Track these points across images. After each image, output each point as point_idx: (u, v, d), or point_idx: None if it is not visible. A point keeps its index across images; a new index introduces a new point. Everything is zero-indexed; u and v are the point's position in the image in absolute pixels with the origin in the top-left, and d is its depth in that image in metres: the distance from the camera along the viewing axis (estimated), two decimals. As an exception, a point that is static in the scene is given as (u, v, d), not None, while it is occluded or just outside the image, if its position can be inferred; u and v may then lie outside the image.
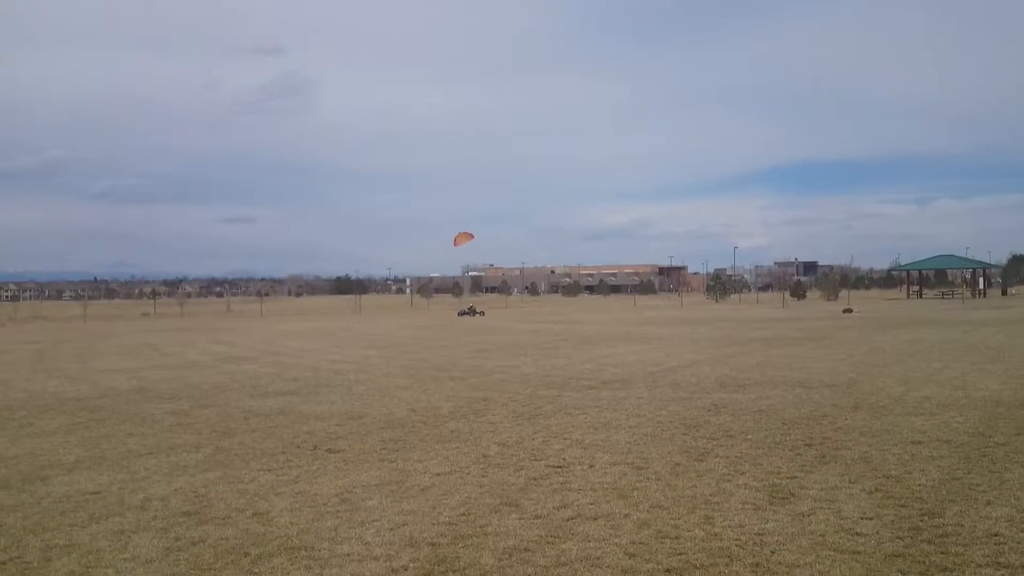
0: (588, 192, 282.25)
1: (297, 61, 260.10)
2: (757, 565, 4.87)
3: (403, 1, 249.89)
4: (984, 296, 65.66)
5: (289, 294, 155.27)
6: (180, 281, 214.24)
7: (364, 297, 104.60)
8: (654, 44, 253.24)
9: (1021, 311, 38.08)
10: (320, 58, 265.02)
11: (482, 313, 53.58)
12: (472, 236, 53.69)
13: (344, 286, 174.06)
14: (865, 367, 15.46)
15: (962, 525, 5.50)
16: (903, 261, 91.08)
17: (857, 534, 5.38)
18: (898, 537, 5.29)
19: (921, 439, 8.40)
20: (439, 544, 5.42)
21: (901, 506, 5.97)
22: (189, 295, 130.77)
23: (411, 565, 5.04)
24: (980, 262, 79.26)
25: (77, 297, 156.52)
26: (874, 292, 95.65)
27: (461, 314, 52.68)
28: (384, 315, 60.38)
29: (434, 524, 5.87)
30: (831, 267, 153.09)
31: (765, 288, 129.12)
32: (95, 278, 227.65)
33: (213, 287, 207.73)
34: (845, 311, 42.59)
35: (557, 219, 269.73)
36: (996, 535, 5.28)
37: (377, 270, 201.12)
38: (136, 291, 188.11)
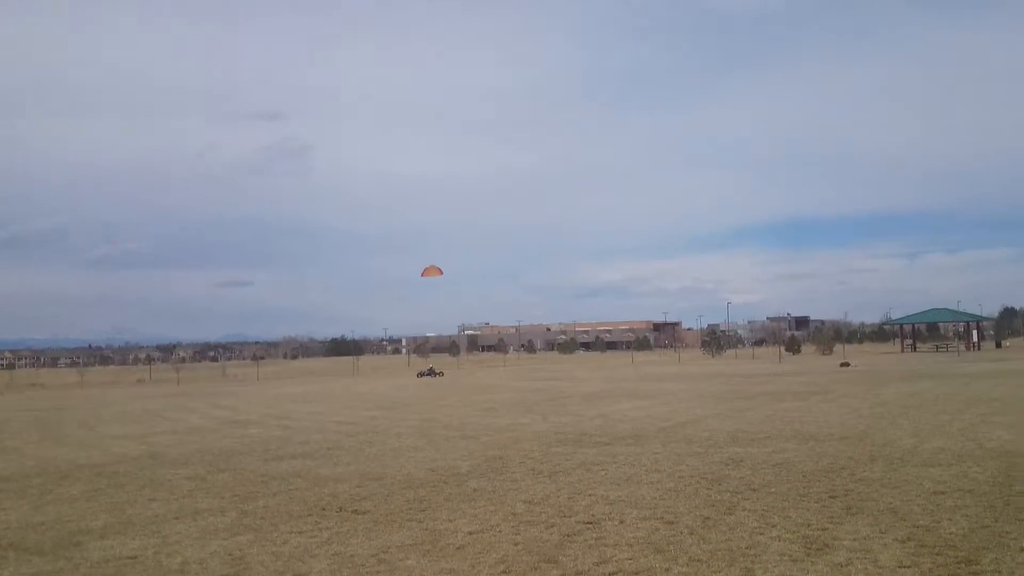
0: (582, 250, 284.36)
1: (295, 126, 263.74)
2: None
3: (398, 66, 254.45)
4: (978, 349, 65.95)
5: (285, 357, 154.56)
6: (174, 346, 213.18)
7: (361, 358, 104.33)
8: (647, 103, 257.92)
9: (1017, 363, 38.29)
10: (317, 122, 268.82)
11: (441, 374, 53.63)
12: (441, 272, 53.14)
13: (339, 348, 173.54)
14: (873, 420, 15.55)
15: (999, 572, 5.59)
16: (894, 315, 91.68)
17: (897, 583, 5.46)
18: (938, 585, 5.37)
19: (943, 489, 8.49)
20: (486, 601, 5.48)
21: (936, 554, 6.06)
22: (184, 360, 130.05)
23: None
24: (973, 315, 79.74)
25: (73, 364, 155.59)
26: (867, 346, 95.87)
27: (420, 375, 52.68)
28: (382, 376, 60.21)
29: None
30: (823, 322, 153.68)
31: (759, 343, 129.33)
32: (90, 345, 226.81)
33: (207, 351, 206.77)
34: (843, 365, 42.73)
35: (552, 277, 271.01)
36: (1035, 580, 5.38)
37: (372, 331, 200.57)
38: (130, 357, 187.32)
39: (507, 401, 25.24)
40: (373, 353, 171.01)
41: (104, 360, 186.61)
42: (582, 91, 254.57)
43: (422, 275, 53.69)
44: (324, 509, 9.00)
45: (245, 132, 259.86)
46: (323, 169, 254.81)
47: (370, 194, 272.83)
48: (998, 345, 71.27)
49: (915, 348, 72.92)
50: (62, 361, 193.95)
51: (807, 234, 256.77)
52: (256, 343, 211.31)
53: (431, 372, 53.95)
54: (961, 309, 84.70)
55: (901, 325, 79.33)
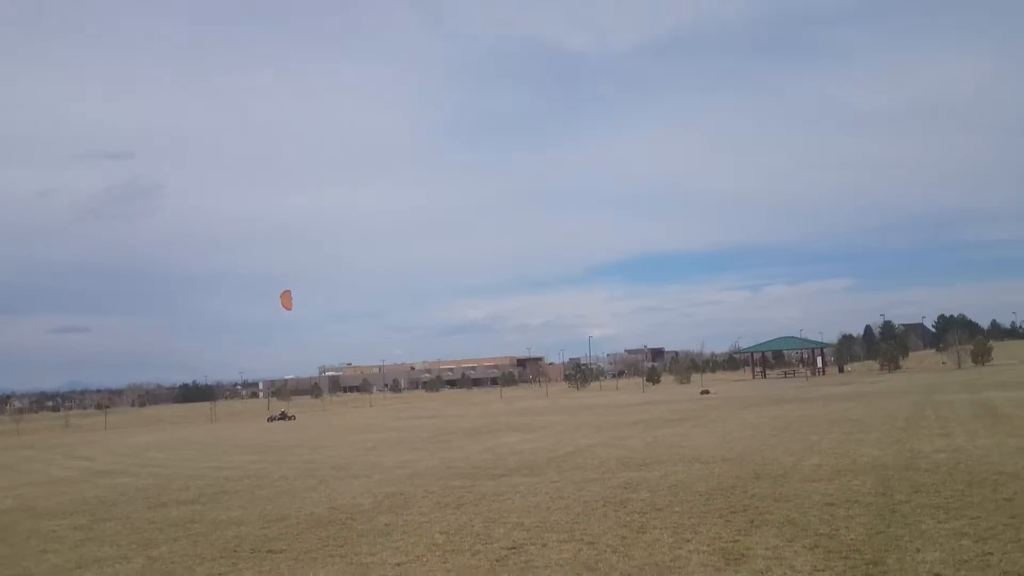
0: (443, 289, 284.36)
1: (142, 165, 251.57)
2: (743, 616, 5.32)
3: (250, 104, 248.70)
4: (823, 374, 70.36)
5: (132, 404, 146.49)
6: (8, 397, 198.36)
7: (216, 404, 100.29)
8: (506, 143, 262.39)
9: (863, 386, 41.16)
10: (169, 161, 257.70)
11: (292, 417, 52.52)
12: (290, 306, 51.41)
13: (190, 394, 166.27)
14: (747, 441, 16.44)
15: (904, 570, 6.17)
16: (742, 344, 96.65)
17: (816, 583, 5.93)
18: (852, 582, 5.88)
19: (832, 501, 9.17)
20: (438, 625, 5.57)
21: (844, 558, 6.60)
22: (21, 411, 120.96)
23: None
24: (817, 342, 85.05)
25: None
26: (720, 374, 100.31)
27: (271, 420, 51.22)
28: (241, 421, 58.20)
29: (422, 608, 6.00)
30: (677, 353, 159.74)
31: (619, 374, 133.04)
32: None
33: (44, 401, 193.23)
34: (703, 393, 44.69)
35: (413, 315, 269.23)
36: (938, 575, 5.97)
37: (226, 375, 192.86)
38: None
39: (387, 440, 25.04)
40: (227, 398, 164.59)
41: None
42: (442, 132, 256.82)
43: (281, 296, 51.75)
44: (235, 551, 8.79)
45: (91, 172, 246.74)
46: (171, 209, 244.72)
47: (224, 235, 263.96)
48: (840, 370, 76.16)
49: (764, 375, 77.01)
50: None
51: (659, 269, 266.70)
52: (98, 391, 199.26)
53: (283, 416, 52.52)
54: (804, 337, 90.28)
55: (752, 353, 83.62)
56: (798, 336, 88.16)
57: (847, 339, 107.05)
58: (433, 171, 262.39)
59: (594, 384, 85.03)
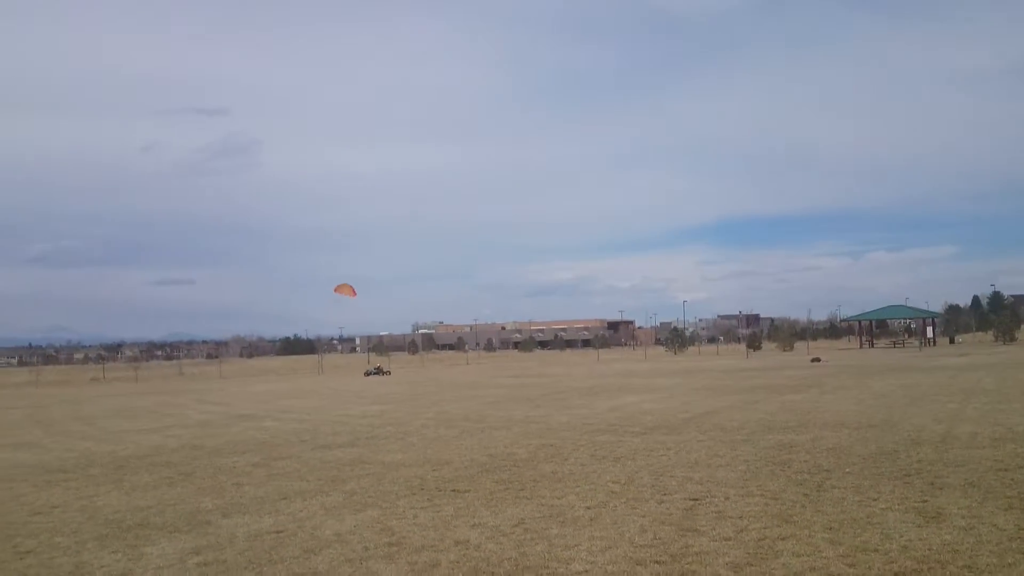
0: (532, 249, 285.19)
1: (240, 121, 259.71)
2: (969, 567, 5.49)
3: (344, 62, 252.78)
4: (934, 345, 68.20)
5: (241, 355, 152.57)
6: (119, 345, 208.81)
7: (322, 357, 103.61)
8: (597, 103, 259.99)
9: (982, 357, 39.86)
10: (263, 118, 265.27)
11: (388, 372, 53.56)
12: (354, 293, 51.85)
13: (292, 346, 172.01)
14: (885, 409, 16.29)
15: (1116, 531, 6.21)
16: (843, 312, 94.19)
17: (1030, 541, 6.04)
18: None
19: (1006, 467, 9.15)
20: (663, 561, 5.92)
21: (1048, 518, 6.67)
22: (138, 359, 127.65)
23: (656, 580, 5.54)
24: (928, 312, 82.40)
25: (22, 363, 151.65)
26: (822, 342, 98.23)
27: (368, 374, 52.43)
28: (346, 374, 59.99)
29: (639, 546, 6.36)
30: (772, 319, 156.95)
31: (712, 340, 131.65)
32: (30, 344, 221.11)
33: (153, 350, 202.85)
34: (813, 360, 43.97)
35: (502, 276, 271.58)
36: None
37: (322, 329, 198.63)
38: (74, 356, 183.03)
39: (505, 396, 25.63)
40: (325, 352, 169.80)
41: (48, 359, 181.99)
42: (536, 91, 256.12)
43: (335, 291, 52.45)
44: (421, 488, 9.35)
45: (188, 128, 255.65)
46: (269, 165, 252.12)
47: (317, 191, 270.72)
48: (951, 341, 73.70)
49: (872, 344, 75.11)
50: (2, 360, 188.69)
51: (752, 233, 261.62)
52: (203, 342, 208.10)
53: (378, 371, 53.78)
54: (911, 306, 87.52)
55: (859, 322, 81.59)
56: (905, 305, 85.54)
57: (952, 309, 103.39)
58: (525, 130, 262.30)
59: (692, 349, 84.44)
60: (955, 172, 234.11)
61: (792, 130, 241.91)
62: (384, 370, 55.54)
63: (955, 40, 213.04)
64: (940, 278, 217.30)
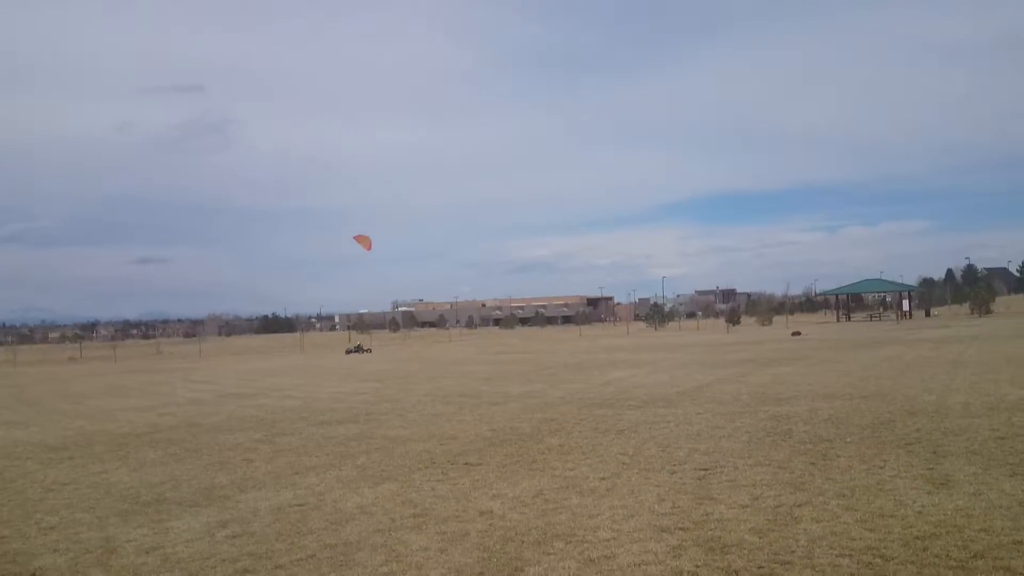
0: (511, 226, 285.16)
1: (215, 99, 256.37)
2: (985, 530, 5.68)
3: (321, 39, 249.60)
4: (911, 318, 69.09)
5: (219, 334, 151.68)
6: (94, 324, 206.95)
7: (298, 335, 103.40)
8: (572, 80, 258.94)
9: (961, 330, 40.50)
10: (238, 96, 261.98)
11: (368, 351, 53.38)
12: (369, 247, 51.44)
13: (271, 325, 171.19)
14: (874, 380, 16.57)
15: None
16: (819, 286, 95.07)
17: (1039, 505, 6.24)
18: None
19: (1004, 435, 9.38)
20: (687, 528, 6.07)
21: (1053, 483, 6.89)
22: (114, 338, 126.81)
23: (684, 544, 5.68)
24: (904, 285, 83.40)
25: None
26: (799, 316, 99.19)
27: (348, 352, 52.31)
28: (326, 352, 59.93)
29: (660, 514, 6.51)
30: (749, 294, 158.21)
31: (691, 316, 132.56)
32: (3, 323, 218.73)
33: (129, 329, 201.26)
34: (794, 334, 44.49)
35: (480, 253, 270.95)
36: None
37: (300, 308, 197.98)
38: (49, 336, 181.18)
39: (494, 373, 25.76)
40: (304, 330, 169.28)
41: (22, 339, 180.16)
42: (508, 66, 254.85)
43: (354, 238, 52.42)
44: (433, 463, 9.46)
45: (163, 106, 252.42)
46: (244, 144, 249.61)
47: (294, 169, 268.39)
48: (927, 314, 74.68)
49: (849, 318, 76.02)
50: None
51: (729, 209, 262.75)
52: (179, 321, 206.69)
53: (359, 349, 53.63)
54: (884, 279, 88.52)
55: (837, 296, 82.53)
56: (881, 279, 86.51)
57: (927, 283, 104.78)
58: (499, 106, 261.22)
59: (672, 325, 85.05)
60: (929, 147, 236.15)
61: (767, 106, 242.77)
62: (365, 348, 55.46)
63: (931, 14, 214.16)
64: (913, 252, 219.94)
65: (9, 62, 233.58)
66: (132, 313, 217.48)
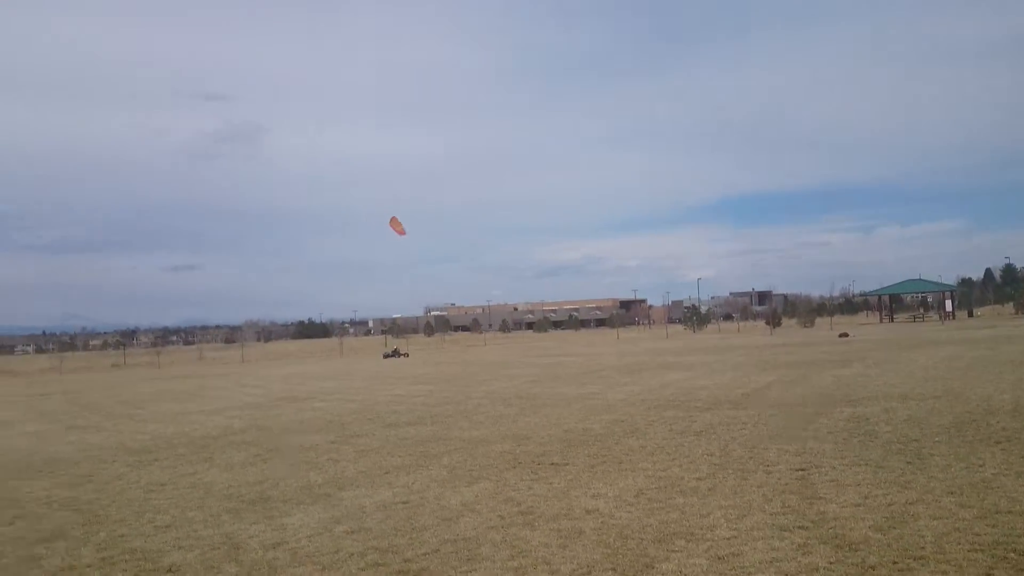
0: (539, 229, 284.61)
1: (245, 107, 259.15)
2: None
3: (348, 45, 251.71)
4: (954, 318, 68.12)
5: (258, 340, 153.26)
6: (134, 331, 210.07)
7: (332, 340, 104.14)
8: (602, 81, 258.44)
9: (1010, 329, 39.86)
10: (268, 103, 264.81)
11: (406, 355, 53.31)
12: (403, 231, 51.40)
13: (307, 330, 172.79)
14: (941, 381, 16.39)
15: None
16: (857, 287, 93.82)
17: None
18: None
19: (1098, 433, 9.28)
20: (807, 527, 6.08)
21: None
22: (154, 345, 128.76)
23: (809, 542, 5.69)
24: (945, 285, 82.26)
25: (39, 351, 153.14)
26: (839, 318, 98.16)
27: (387, 356, 52.32)
28: (365, 357, 60.26)
29: (773, 513, 6.52)
30: (785, 296, 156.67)
31: (726, 318, 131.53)
32: (44, 331, 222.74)
33: (168, 336, 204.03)
34: (841, 336, 44.02)
35: (509, 257, 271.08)
36: None
37: (334, 313, 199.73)
38: (90, 343, 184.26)
39: (542, 375, 25.79)
40: (338, 335, 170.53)
41: (64, 346, 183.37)
42: (537, 69, 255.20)
43: (390, 223, 52.52)
44: (518, 463, 9.54)
45: (196, 114, 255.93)
46: (275, 150, 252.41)
47: (324, 175, 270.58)
48: (970, 314, 73.57)
49: (892, 319, 75.09)
50: (19, 348, 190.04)
51: (762, 210, 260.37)
52: (216, 327, 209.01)
53: (396, 353, 53.77)
54: (924, 279, 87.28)
55: (879, 296, 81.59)
56: (921, 279, 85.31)
57: (965, 283, 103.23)
58: (527, 109, 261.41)
59: (711, 327, 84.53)
60: (963, 145, 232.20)
61: (799, 105, 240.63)
62: (402, 352, 55.65)
63: (965, 11, 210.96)
64: (950, 252, 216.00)
65: (47, 71, 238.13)
66: (168, 320, 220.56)
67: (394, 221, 50.94)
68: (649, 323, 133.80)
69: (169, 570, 5.91)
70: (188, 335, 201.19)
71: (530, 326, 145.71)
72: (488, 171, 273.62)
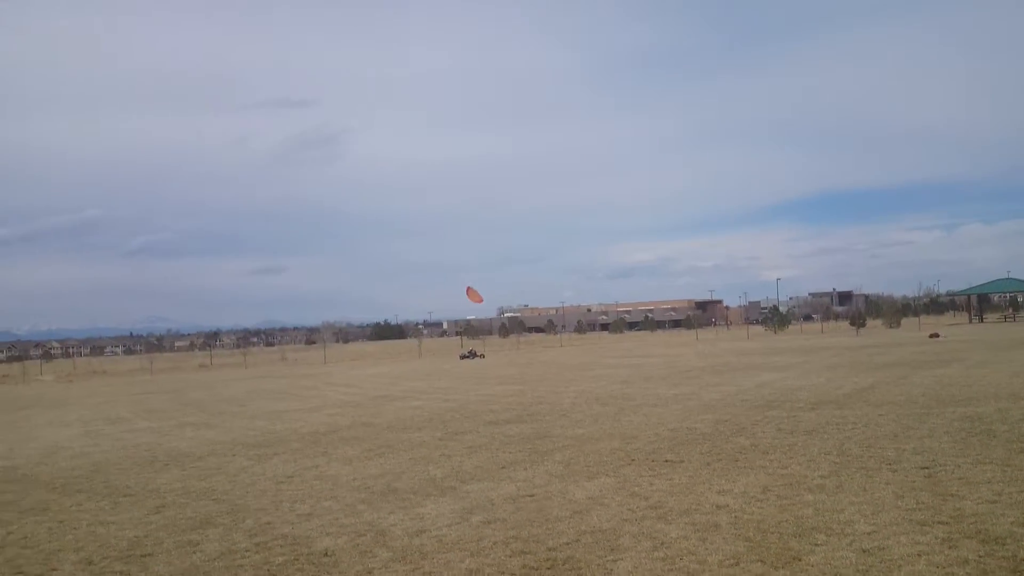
0: (611, 231, 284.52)
1: (324, 113, 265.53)
2: None
3: (426, 50, 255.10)
4: (1049, 319, 65.60)
5: (337, 341, 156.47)
6: (217, 333, 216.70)
7: (409, 341, 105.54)
8: (674, 83, 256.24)
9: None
10: (346, 109, 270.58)
11: (482, 356, 53.25)
12: (480, 299, 53.16)
13: (383, 331, 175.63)
14: (1052, 382, 15.93)
15: None
16: (942, 287, 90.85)
17: None
18: None
19: None
20: (946, 523, 6.07)
21: None
22: (237, 346, 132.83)
23: (953, 536, 5.69)
24: (1042, 285, 79.31)
25: (128, 352, 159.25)
26: (924, 318, 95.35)
27: (463, 357, 52.40)
28: (442, 357, 60.84)
29: (908, 509, 6.51)
30: (866, 296, 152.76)
31: (806, 318, 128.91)
32: (131, 333, 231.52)
33: (249, 337, 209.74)
34: (932, 336, 42.83)
35: (582, 258, 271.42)
36: None
37: (408, 314, 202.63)
38: (175, 344, 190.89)
39: (630, 376, 25.78)
40: (412, 336, 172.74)
41: (151, 347, 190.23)
42: (614, 70, 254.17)
43: (466, 293, 53.95)
44: (634, 460, 9.66)
45: (277, 121, 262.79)
46: (353, 155, 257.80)
47: (399, 179, 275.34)
48: (1066, 316, 70.80)
49: (982, 319, 72.65)
50: (108, 350, 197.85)
51: (841, 209, 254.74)
52: (295, 328, 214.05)
53: (472, 354, 54.01)
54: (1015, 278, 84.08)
55: (969, 296, 79.05)
56: (1010, 277, 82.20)
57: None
58: (602, 110, 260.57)
59: (793, 328, 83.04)
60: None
61: (879, 103, 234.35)
62: (479, 353, 55.98)
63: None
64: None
65: (135, 82, 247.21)
66: (248, 321, 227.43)
67: (471, 292, 52.08)
68: (727, 324, 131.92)
69: (325, 554, 6.21)
70: (268, 336, 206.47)
71: (604, 327, 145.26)
72: (563, 173, 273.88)
